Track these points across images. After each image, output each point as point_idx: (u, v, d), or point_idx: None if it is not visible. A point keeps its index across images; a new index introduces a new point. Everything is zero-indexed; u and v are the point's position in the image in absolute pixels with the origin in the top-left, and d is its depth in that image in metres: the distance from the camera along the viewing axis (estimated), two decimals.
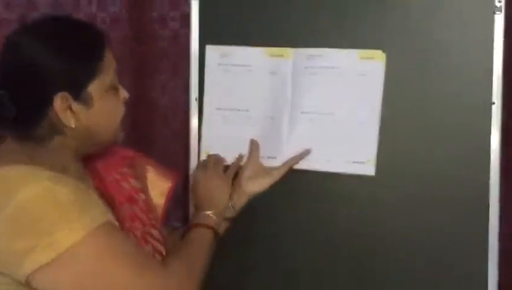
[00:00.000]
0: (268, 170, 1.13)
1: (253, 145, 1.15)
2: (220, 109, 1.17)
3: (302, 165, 1.13)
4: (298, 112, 1.13)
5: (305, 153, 1.14)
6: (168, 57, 1.27)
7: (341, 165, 1.12)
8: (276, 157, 1.14)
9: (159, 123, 1.27)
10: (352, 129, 1.11)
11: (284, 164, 1.13)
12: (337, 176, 1.12)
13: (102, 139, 0.95)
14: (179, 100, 1.26)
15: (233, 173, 1.12)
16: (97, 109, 0.92)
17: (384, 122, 1.11)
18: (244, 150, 1.16)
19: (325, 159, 1.12)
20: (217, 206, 1.06)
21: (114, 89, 0.94)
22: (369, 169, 1.12)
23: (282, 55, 1.13)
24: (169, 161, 1.19)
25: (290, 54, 1.13)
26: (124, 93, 0.97)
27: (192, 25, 1.18)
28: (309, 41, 1.13)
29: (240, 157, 1.14)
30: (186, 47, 1.19)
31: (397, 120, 1.11)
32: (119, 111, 0.97)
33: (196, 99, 1.18)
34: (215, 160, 1.14)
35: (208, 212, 1.05)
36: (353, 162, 1.12)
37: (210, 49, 1.17)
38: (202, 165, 1.14)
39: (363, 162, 1.11)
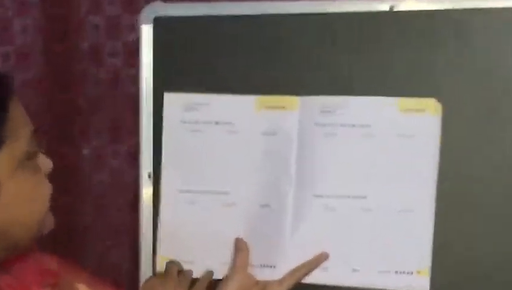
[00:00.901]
0: (265, 286, 1.03)
1: (240, 248, 1.05)
2: (185, 191, 1.09)
3: (318, 277, 1.04)
4: (308, 194, 1.04)
5: (321, 259, 1.04)
6: (104, 109, 1.20)
7: (376, 278, 1.03)
8: (276, 265, 1.04)
9: (88, 217, 1.18)
10: (394, 222, 1.03)
11: (289, 276, 1.03)
12: None
13: (17, 241, 0.85)
14: (122, 177, 1.18)
15: None
16: (7, 194, 0.81)
17: (442, 211, 1.02)
18: (226, 256, 1.06)
19: (351, 268, 1.03)
20: None
21: (31, 159, 0.83)
22: (420, 283, 1.02)
23: (283, 107, 1.05)
24: (111, 267, 1.14)
25: (295, 104, 1.05)
26: (46, 163, 0.86)
27: (142, 62, 1.07)
28: (323, 86, 1.05)
29: (211, 273, 1.05)
30: (131, 95, 1.12)
31: (462, 206, 1.03)
32: (44, 191, 0.86)
33: (150, 176, 1.09)
34: (177, 270, 1.05)
35: None
36: (396, 272, 1.02)
37: (170, 99, 1.09)
38: (158, 278, 1.04)
39: (411, 273, 1.02)
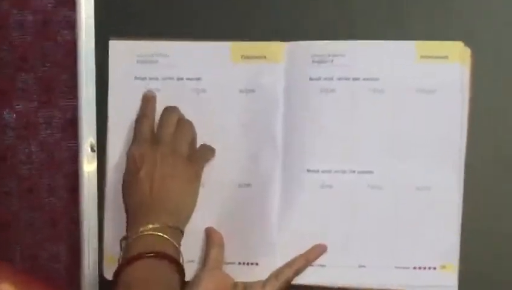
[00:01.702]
0: (246, 286, 0.99)
1: (213, 241, 1.01)
2: None
3: (313, 277, 0.99)
4: (299, 169, 1.00)
5: (317, 252, 1.00)
6: (31, 62, 1.11)
7: (389, 276, 0.99)
8: (259, 262, 1.00)
9: (13, 203, 1.13)
10: (411, 203, 0.99)
11: (276, 275, 0.99)
12: None
13: None
14: (57, 151, 1.10)
15: None
16: None
17: (472, 189, 0.99)
18: (194, 251, 1.02)
19: (356, 263, 0.99)
20: (177, 213, 0.97)
21: None
22: (446, 281, 0.98)
23: (265, 57, 1.01)
24: (45, 265, 1.10)
25: (280, 52, 1.01)
26: None
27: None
28: (316, 30, 1.02)
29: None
30: (66, 44, 1.08)
31: (498, 182, 1.00)
32: None
33: (93, 149, 1.04)
34: (174, 127, 0.99)
35: (156, 225, 0.93)
36: (414, 268, 0.98)
37: (117, 48, 1.04)
38: (147, 136, 0.99)
39: (434, 268, 0.98)
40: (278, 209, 0.99)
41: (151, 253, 0.92)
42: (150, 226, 0.94)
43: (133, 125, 1.03)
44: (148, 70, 1.02)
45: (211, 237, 1.00)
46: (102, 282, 1.02)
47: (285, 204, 0.99)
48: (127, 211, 0.98)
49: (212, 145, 1.01)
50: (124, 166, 1.01)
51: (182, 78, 1.02)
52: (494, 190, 1.00)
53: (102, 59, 1.03)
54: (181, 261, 0.94)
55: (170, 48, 1.01)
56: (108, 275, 1.00)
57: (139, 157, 0.96)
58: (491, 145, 1.00)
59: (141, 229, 0.94)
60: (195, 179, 0.99)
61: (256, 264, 1.00)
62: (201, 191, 1.02)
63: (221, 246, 0.99)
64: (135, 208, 0.97)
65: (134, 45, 1.02)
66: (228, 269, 0.99)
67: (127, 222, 0.98)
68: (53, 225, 1.13)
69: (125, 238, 0.96)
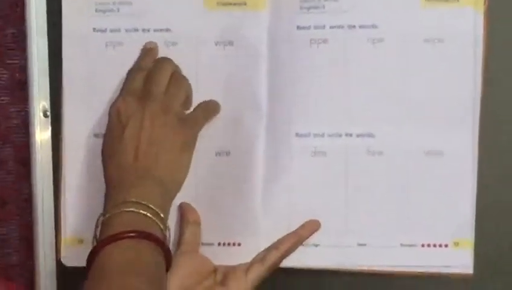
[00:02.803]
0: (226, 275, 0.94)
1: (188, 220, 0.96)
2: (101, 135, 0.96)
3: (305, 258, 0.94)
4: (287, 133, 0.96)
5: (309, 229, 0.95)
6: None
7: (394, 255, 0.94)
8: (242, 243, 0.96)
9: None
10: (418, 170, 0.94)
11: (262, 257, 0.94)
12: (386, 277, 0.96)
13: None
14: (3, 117, 1.01)
15: None
16: None
17: (489, 154, 0.94)
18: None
19: (355, 241, 0.95)
20: (164, 186, 0.91)
21: None
22: (460, 259, 0.93)
23: (245, 3, 0.96)
24: None
25: None
26: None
27: None
28: None
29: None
30: None
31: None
32: None
33: (46, 115, 0.98)
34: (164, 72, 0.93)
35: (140, 200, 0.86)
36: (422, 245, 0.93)
37: None
38: (136, 91, 0.93)
39: (446, 245, 0.93)
40: (262, 181, 0.95)
41: (132, 232, 0.86)
42: (133, 200, 0.87)
43: (93, 86, 0.96)
44: (108, 21, 0.96)
45: (185, 215, 0.95)
46: (61, 269, 0.97)
47: (270, 175, 0.95)
48: (106, 178, 0.92)
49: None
50: (84, 133, 0.96)
51: (148, 30, 0.96)
52: None
53: (55, 8, 0.97)
54: (168, 242, 0.89)
55: None
56: (68, 261, 0.96)
57: (124, 112, 0.91)
58: (509, 102, 0.95)
59: (122, 203, 0.88)
60: (188, 146, 0.93)
61: (239, 245, 0.96)
62: None
63: (198, 224, 0.95)
64: (116, 176, 0.91)
65: None
66: (206, 251, 0.96)
67: (105, 193, 0.92)
68: (1, 204, 1.05)
69: (103, 214, 0.90)
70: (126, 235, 0.87)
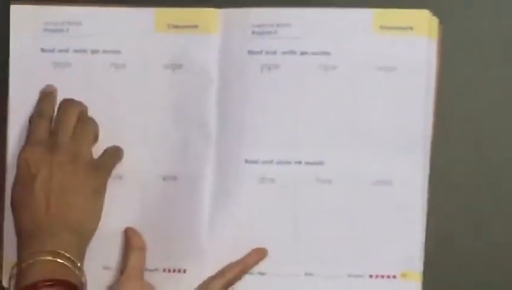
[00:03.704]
0: None
1: (132, 245, 0.95)
2: None
3: (253, 287, 0.93)
4: (236, 159, 0.95)
5: (256, 257, 0.93)
6: None
7: (342, 286, 0.93)
8: (187, 269, 0.94)
9: None
10: (367, 200, 0.93)
11: (207, 284, 0.92)
12: None
13: None
14: None
15: None
16: None
17: (438, 184, 0.94)
18: (111, 257, 0.95)
19: (302, 270, 0.93)
20: (79, 233, 0.90)
21: None
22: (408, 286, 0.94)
23: (196, 26, 0.95)
24: None
25: (215, 21, 0.95)
26: None
27: None
28: None
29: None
30: None
31: (469, 175, 0.95)
32: None
33: None
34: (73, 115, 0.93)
35: (56, 248, 0.85)
36: (370, 276, 0.92)
37: (20, 13, 0.97)
38: (42, 139, 0.92)
39: (394, 277, 0.91)
40: (209, 207, 0.93)
41: (50, 281, 0.85)
42: (48, 249, 0.87)
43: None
44: (57, 41, 0.95)
45: (130, 240, 0.94)
46: None
47: (218, 201, 0.93)
48: (17, 229, 0.91)
49: (133, 130, 0.95)
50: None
51: (97, 51, 0.95)
52: (464, 186, 0.96)
53: (2, 27, 0.95)
54: (85, 287, 0.89)
55: (84, 14, 0.94)
56: (8, 285, 0.92)
57: (33, 163, 0.90)
58: (461, 133, 0.96)
59: (38, 253, 0.87)
60: (99, 192, 0.93)
61: (184, 271, 0.94)
62: (119, 185, 0.97)
63: (142, 250, 0.93)
64: (29, 227, 0.90)
65: (40, 10, 0.95)
66: (150, 277, 0.93)
67: (18, 245, 0.90)
68: None
69: (17, 264, 0.88)
70: (45, 283, 0.85)
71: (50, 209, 0.88)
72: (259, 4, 0.97)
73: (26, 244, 0.89)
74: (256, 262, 0.93)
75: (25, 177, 0.89)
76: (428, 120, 0.93)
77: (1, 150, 0.99)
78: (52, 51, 0.95)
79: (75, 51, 0.95)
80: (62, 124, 0.92)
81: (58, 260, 0.86)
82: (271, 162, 0.93)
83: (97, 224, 0.92)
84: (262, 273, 0.94)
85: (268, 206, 0.94)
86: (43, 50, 0.95)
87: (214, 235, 0.93)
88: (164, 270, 0.94)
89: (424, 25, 0.93)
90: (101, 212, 0.92)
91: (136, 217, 0.95)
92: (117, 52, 0.95)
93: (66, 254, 0.87)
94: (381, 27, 0.93)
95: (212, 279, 0.92)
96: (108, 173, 0.93)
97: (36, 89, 0.96)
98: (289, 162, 0.93)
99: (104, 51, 0.95)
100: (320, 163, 0.94)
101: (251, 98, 0.94)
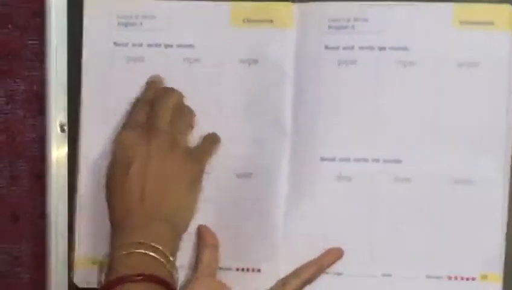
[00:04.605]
0: None
1: (206, 243, 0.95)
2: None
3: (329, 288, 0.93)
4: (312, 157, 0.94)
5: (332, 257, 0.93)
6: None
7: (420, 287, 0.92)
8: (261, 269, 0.94)
9: None
10: (446, 199, 0.91)
11: (283, 284, 0.92)
12: None
13: None
14: (18, 133, 1.02)
15: None
16: None
17: None
18: (184, 254, 0.93)
19: (380, 271, 0.92)
20: (173, 224, 0.89)
21: None
22: None
23: (271, 21, 0.95)
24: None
25: (290, 16, 0.94)
26: None
27: None
28: None
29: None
30: (35, 2, 0.99)
31: None
32: None
33: (63, 130, 0.96)
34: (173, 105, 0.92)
35: (148, 240, 0.84)
36: (449, 278, 0.91)
37: (93, 6, 0.96)
38: (141, 123, 0.92)
39: (473, 279, 0.91)
40: (284, 205, 0.93)
41: (139, 275, 0.84)
42: (141, 241, 0.86)
43: (112, 102, 0.95)
44: (130, 35, 0.95)
45: (203, 238, 0.94)
46: (73, 289, 0.95)
47: (293, 199, 0.93)
48: (111, 217, 0.90)
49: (206, 127, 0.94)
50: (101, 149, 0.94)
51: (171, 45, 0.95)
52: None
53: (76, 21, 0.96)
54: (176, 284, 0.88)
55: (158, 8, 0.95)
56: (80, 282, 0.94)
57: (129, 147, 0.88)
58: None
59: (129, 245, 0.86)
60: (196, 182, 0.92)
61: (258, 271, 0.94)
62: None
63: (216, 248, 0.93)
64: (122, 216, 0.89)
65: (114, 4, 0.95)
66: (224, 276, 0.94)
67: (111, 232, 0.90)
68: (14, 220, 1.06)
69: (109, 254, 0.88)
70: (133, 278, 0.85)
71: (144, 198, 0.87)
72: None
73: (118, 235, 0.88)
74: (332, 262, 0.92)
75: (120, 162, 0.88)
76: (511, 117, 0.91)
77: (73, 150, 0.98)
78: (126, 45, 0.95)
79: (149, 45, 0.95)
80: (160, 110, 0.90)
81: (149, 252, 0.85)
82: (348, 160, 0.92)
83: (192, 216, 0.92)
84: (338, 274, 0.93)
85: (344, 205, 0.94)
86: (116, 44, 0.95)
87: (289, 234, 0.92)
88: (238, 269, 0.95)
89: (506, 20, 0.92)
90: (196, 204, 0.91)
91: (210, 215, 0.95)
92: (191, 46, 0.95)
93: (158, 246, 0.86)
94: (461, 22, 0.92)
95: (287, 279, 0.91)
96: (205, 162, 0.92)
97: (109, 84, 0.96)
98: (366, 160, 0.93)
99: (178, 45, 0.95)
100: (398, 161, 0.93)
101: (327, 94, 0.93)
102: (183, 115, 0.92)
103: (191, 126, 0.92)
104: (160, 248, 0.86)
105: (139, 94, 0.96)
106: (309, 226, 0.95)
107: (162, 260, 0.86)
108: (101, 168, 0.97)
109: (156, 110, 0.91)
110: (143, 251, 0.85)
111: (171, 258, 0.87)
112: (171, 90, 0.93)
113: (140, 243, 0.85)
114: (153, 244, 0.85)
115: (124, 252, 0.85)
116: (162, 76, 0.97)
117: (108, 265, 0.86)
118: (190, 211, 0.92)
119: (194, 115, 0.94)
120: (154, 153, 0.88)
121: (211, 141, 0.94)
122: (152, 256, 0.86)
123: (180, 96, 0.93)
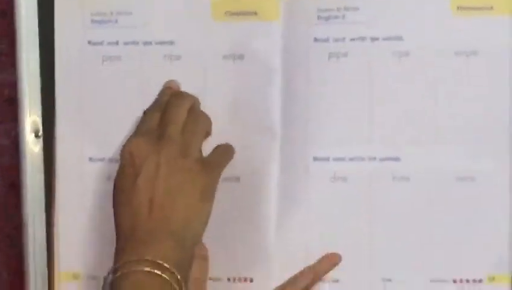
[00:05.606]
0: None
1: (195, 253, 0.92)
2: (98, 159, 0.94)
3: None
4: (304, 158, 0.91)
5: (329, 262, 0.91)
6: None
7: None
8: (254, 278, 0.92)
9: None
10: (448, 198, 0.89)
11: None
12: None
13: None
14: None
15: None
16: None
17: None
18: None
19: (379, 276, 0.90)
20: (183, 240, 0.86)
21: None
22: None
23: (255, 13, 0.92)
24: None
25: (275, 7, 0.92)
26: None
27: None
28: None
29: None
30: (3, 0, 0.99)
31: None
32: None
33: (37, 134, 0.94)
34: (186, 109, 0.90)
35: (156, 258, 0.81)
36: (454, 281, 0.88)
37: (65, 3, 0.93)
38: (152, 130, 0.90)
39: (480, 281, 0.89)
40: (275, 210, 0.90)
41: None
42: (148, 258, 0.83)
43: (88, 105, 0.93)
44: (105, 33, 0.92)
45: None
46: None
47: (285, 203, 0.91)
48: (117, 227, 0.87)
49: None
50: (78, 156, 0.92)
51: (149, 43, 0.92)
52: None
53: (47, 19, 0.93)
54: None
55: (134, 4, 0.91)
56: None
57: (138, 155, 0.85)
58: None
59: (135, 262, 0.83)
60: (209, 194, 0.88)
61: (250, 280, 0.91)
62: None
63: (205, 258, 0.90)
64: (129, 227, 0.85)
65: (87, 0, 0.93)
66: (215, 287, 0.92)
67: (116, 244, 0.87)
68: None
69: (113, 271, 0.84)
70: None
71: (153, 211, 0.84)
72: None
73: (124, 249, 0.85)
74: (329, 269, 0.90)
75: (128, 172, 0.85)
76: None
77: (50, 156, 0.95)
78: (101, 43, 0.93)
79: (126, 43, 0.92)
80: (171, 117, 0.87)
81: (156, 271, 0.82)
82: (343, 159, 0.90)
83: (203, 230, 0.87)
84: (336, 281, 0.91)
85: (340, 208, 0.91)
86: (90, 43, 0.92)
87: (282, 240, 0.90)
88: (229, 279, 0.92)
89: (505, 4, 0.89)
90: (208, 217, 0.87)
91: None
92: (171, 43, 0.92)
93: (165, 264, 0.83)
94: (459, 8, 0.89)
95: (282, 288, 0.89)
96: (219, 173, 0.89)
97: (85, 86, 0.94)
98: (362, 159, 0.90)
99: (157, 42, 0.93)
100: (396, 159, 0.90)
101: (318, 90, 0.91)
102: (198, 121, 0.89)
103: (206, 133, 0.89)
104: (169, 266, 0.82)
105: (156, 99, 0.93)
106: (303, 231, 0.92)
107: (168, 279, 0.82)
108: (78, 175, 0.94)
109: (168, 116, 0.88)
110: (150, 269, 0.82)
111: (178, 277, 0.83)
112: (185, 95, 0.91)
113: (147, 260, 0.82)
114: (160, 262, 0.82)
115: (129, 270, 0.82)
116: (140, 76, 0.93)
117: (112, 283, 0.83)
118: (201, 224, 0.87)
119: (210, 122, 0.90)
120: (163, 163, 0.85)
121: (225, 151, 0.91)
122: (159, 275, 0.83)
123: (195, 101, 0.90)
